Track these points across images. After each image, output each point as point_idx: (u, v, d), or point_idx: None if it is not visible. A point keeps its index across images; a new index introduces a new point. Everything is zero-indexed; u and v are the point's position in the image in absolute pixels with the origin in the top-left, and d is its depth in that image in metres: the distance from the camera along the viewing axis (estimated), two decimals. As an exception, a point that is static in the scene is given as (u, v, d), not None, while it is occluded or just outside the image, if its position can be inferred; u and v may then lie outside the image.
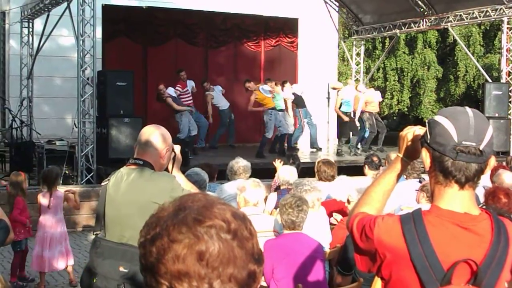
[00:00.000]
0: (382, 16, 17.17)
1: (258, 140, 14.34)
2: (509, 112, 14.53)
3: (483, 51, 24.68)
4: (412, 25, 16.40)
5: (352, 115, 14.28)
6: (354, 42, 18.57)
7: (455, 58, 24.84)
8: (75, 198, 6.89)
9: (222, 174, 8.02)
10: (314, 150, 15.10)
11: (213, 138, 14.78)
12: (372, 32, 17.84)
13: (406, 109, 25.33)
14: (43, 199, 6.87)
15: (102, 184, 3.39)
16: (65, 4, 11.92)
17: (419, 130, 2.01)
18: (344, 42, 19.75)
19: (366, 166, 7.60)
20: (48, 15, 13.34)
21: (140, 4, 16.43)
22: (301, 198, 4.56)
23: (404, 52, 24.60)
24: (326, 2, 17.31)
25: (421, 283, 1.84)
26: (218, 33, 17.45)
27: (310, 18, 17.85)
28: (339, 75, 21.90)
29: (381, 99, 16.13)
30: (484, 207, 4.10)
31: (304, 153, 14.52)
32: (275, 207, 6.19)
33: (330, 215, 5.51)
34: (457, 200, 1.88)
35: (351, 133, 14.69)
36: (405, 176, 6.43)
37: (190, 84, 13.99)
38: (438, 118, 1.90)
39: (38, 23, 14.22)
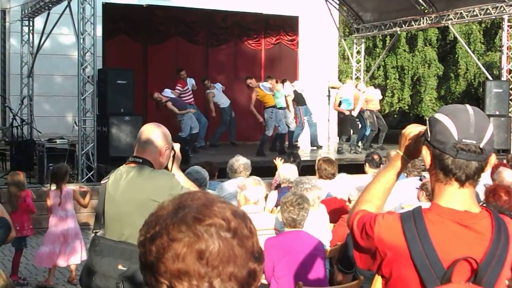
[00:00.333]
0: (383, 14, 17.16)
1: (258, 138, 14.33)
2: (509, 110, 14.52)
3: (484, 49, 24.65)
4: (413, 23, 16.40)
5: (352, 113, 14.26)
6: (355, 40, 18.56)
7: (456, 56, 24.81)
8: (86, 198, 6.94)
9: (223, 172, 8.02)
10: (315, 148, 15.09)
11: (213, 136, 14.78)
12: (373, 30, 17.83)
13: (406, 107, 25.31)
14: (53, 196, 6.92)
15: (102, 182, 3.39)
16: (65, 3, 11.91)
17: (422, 129, 2.01)
18: (345, 40, 19.73)
19: (367, 164, 7.61)
20: (48, 14, 13.33)
21: (140, 2, 16.41)
22: (302, 196, 4.56)
23: (404, 50, 24.57)
24: (326, 0, 17.30)
25: (421, 281, 1.84)
26: (219, 31, 17.43)
27: (310, 16, 17.83)
28: (340, 73, 21.87)
29: (381, 97, 16.14)
30: (484, 205, 4.10)
31: (305, 151, 14.51)
32: (276, 205, 6.20)
33: (330, 213, 5.51)
34: (458, 198, 1.88)
35: (351, 131, 14.69)
36: (405, 174, 6.43)
37: (190, 82, 13.99)
38: (438, 116, 1.90)
39: (39, 22, 14.21)
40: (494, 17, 15.67)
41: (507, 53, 14.96)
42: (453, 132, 1.84)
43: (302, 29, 18.12)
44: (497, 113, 14.00)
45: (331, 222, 5.43)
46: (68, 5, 11.73)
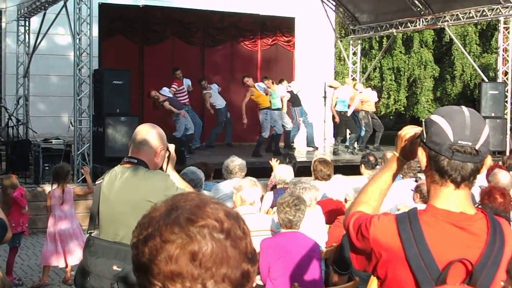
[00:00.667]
0: (379, 16, 17.17)
1: (254, 139, 14.33)
2: (505, 112, 14.55)
3: (480, 51, 24.70)
4: (409, 24, 16.40)
5: (347, 114, 14.22)
6: (351, 42, 18.56)
7: (452, 57, 24.87)
8: (87, 180, 7.27)
9: (218, 173, 8.00)
10: (311, 149, 15.09)
11: (209, 137, 14.76)
12: (369, 32, 17.83)
13: (402, 108, 25.34)
14: (55, 195, 6.96)
15: (96, 183, 3.39)
16: (61, 3, 11.88)
17: (418, 131, 2.01)
18: (341, 41, 19.73)
19: (363, 165, 7.61)
20: (44, 14, 13.30)
21: (137, 3, 16.39)
22: (299, 197, 4.55)
23: (400, 52, 24.61)
24: (323, 2, 17.29)
25: (416, 282, 1.83)
26: (215, 31, 17.43)
27: (307, 17, 17.83)
28: (336, 75, 21.87)
29: (377, 99, 16.14)
30: (480, 206, 4.10)
31: (301, 152, 14.51)
32: (271, 206, 6.19)
33: (326, 214, 5.50)
34: (453, 199, 1.88)
35: (347, 131, 14.66)
36: (401, 176, 6.43)
37: (187, 82, 13.97)
38: (434, 117, 1.89)
39: (35, 22, 14.18)
40: (490, 19, 15.68)
41: (503, 55, 14.99)
42: (449, 134, 1.84)
43: (298, 30, 18.13)
44: (493, 115, 14.02)
45: (326, 223, 5.43)
46: (64, 5, 11.70)
